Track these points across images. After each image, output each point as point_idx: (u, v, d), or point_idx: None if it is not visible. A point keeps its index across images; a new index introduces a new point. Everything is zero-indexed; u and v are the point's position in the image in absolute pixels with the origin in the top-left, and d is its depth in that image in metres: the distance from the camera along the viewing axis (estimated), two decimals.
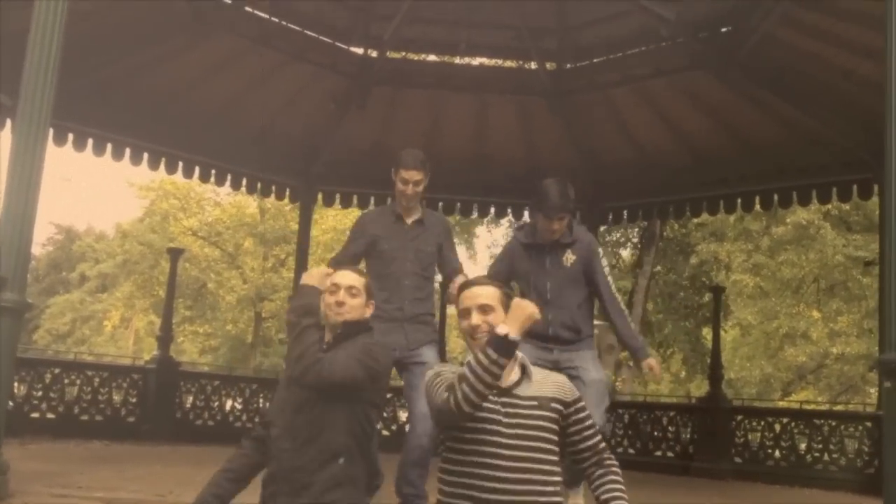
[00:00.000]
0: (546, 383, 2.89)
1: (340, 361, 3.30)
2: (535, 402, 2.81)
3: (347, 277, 3.58)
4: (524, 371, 2.88)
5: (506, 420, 2.75)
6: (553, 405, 2.83)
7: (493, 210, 11.85)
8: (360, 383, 3.32)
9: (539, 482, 2.73)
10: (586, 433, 2.90)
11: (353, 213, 28.07)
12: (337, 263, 4.57)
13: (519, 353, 2.84)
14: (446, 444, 2.83)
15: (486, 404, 2.72)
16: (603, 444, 2.96)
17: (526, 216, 11.98)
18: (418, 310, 5.07)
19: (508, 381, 2.83)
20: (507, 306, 2.81)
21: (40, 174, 5.16)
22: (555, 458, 2.80)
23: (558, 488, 2.80)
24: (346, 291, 3.51)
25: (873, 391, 22.40)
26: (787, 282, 22.99)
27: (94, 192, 68.66)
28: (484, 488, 2.69)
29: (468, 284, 2.97)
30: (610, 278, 5.27)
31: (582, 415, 2.89)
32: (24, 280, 5.13)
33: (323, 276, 3.59)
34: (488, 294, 2.89)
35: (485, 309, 2.85)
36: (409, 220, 5.18)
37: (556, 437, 2.82)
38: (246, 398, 10.79)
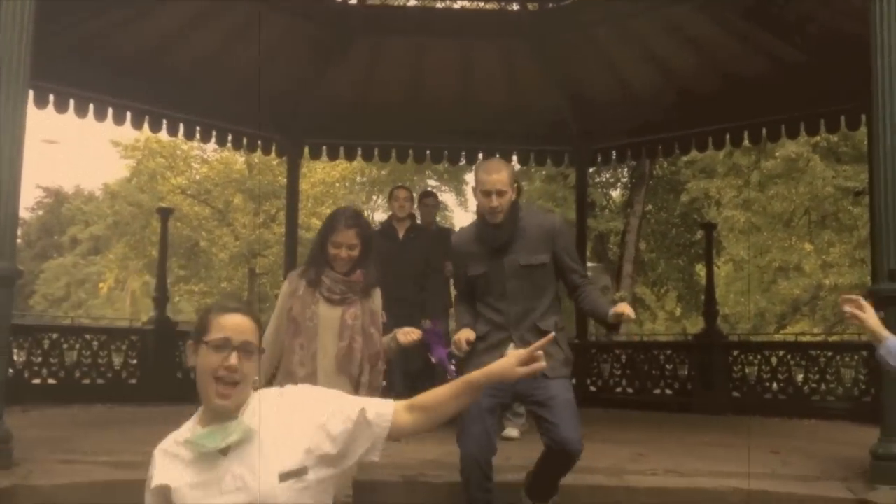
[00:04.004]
0: None
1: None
2: None
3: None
4: None
5: None
6: None
7: (480, 156, 11.65)
8: None
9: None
10: None
11: (341, 166, 28.07)
12: None
13: None
14: None
15: None
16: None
17: (515, 160, 11.89)
18: None
19: None
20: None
21: (23, 139, 5.11)
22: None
23: None
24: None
25: None
26: (779, 215, 23.05)
27: (80, 153, 68.08)
28: None
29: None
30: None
31: None
32: (14, 248, 5.10)
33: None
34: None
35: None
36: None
37: None
38: None
